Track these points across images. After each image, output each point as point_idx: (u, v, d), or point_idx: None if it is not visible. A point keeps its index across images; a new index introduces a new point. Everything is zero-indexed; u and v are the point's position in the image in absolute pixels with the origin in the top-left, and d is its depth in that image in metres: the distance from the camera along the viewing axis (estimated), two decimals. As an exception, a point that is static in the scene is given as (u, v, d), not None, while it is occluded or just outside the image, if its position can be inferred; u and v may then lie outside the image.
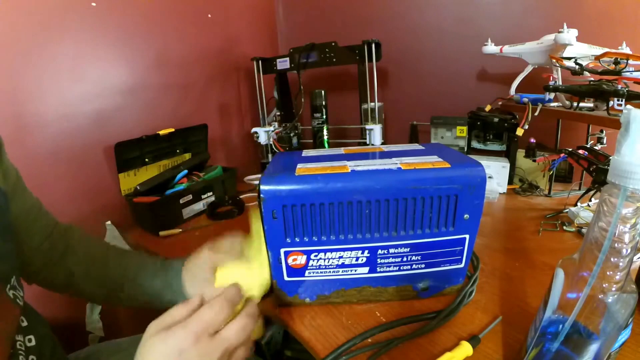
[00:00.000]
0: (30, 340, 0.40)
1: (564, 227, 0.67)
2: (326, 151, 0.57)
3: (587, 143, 0.80)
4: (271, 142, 1.08)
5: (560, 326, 0.28)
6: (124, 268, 0.51)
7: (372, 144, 0.97)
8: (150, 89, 0.93)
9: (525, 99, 0.83)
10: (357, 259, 0.45)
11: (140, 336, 0.32)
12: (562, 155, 0.73)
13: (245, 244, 0.47)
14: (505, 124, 0.87)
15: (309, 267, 0.45)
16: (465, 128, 0.96)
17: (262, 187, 0.40)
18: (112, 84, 0.84)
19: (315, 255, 0.45)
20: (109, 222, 0.83)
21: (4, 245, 0.38)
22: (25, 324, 0.41)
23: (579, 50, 0.75)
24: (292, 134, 1.08)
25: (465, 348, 0.39)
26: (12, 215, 0.41)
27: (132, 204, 0.82)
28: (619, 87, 0.63)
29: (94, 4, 0.78)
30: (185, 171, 0.90)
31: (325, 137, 1.01)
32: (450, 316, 0.45)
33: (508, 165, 0.86)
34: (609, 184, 0.26)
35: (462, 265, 0.47)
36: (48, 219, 0.51)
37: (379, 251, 0.45)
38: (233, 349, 0.34)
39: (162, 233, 0.78)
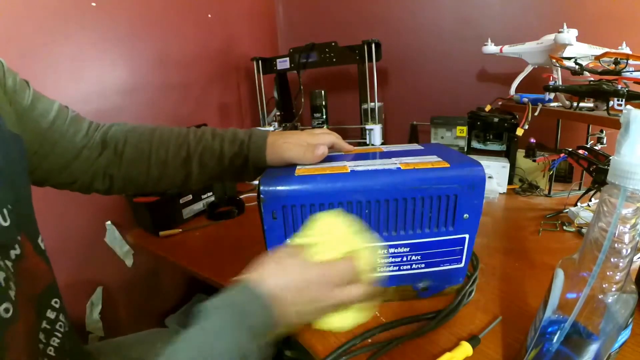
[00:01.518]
0: (64, 326, 0.41)
1: (564, 227, 0.67)
2: (326, 151, 0.57)
3: (587, 143, 0.80)
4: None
5: (560, 326, 0.28)
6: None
7: (372, 144, 0.97)
8: (150, 89, 0.93)
9: (525, 99, 0.83)
10: (357, 259, 0.45)
11: (140, 334, 0.32)
12: (562, 155, 0.73)
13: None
14: (505, 124, 0.87)
15: (308, 267, 0.45)
16: (465, 128, 0.96)
17: (262, 188, 0.40)
18: (112, 84, 0.84)
19: (315, 256, 0.44)
20: (109, 222, 0.83)
21: (28, 198, 0.37)
22: (58, 305, 0.41)
23: (579, 50, 0.75)
24: (292, 134, 1.08)
25: (465, 348, 0.39)
26: (29, 144, 0.39)
27: (132, 204, 0.82)
28: (619, 87, 0.63)
29: (94, 4, 0.78)
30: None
31: (325, 137, 1.01)
32: (450, 316, 0.45)
33: (508, 165, 0.86)
34: (609, 184, 0.26)
35: (462, 265, 0.47)
36: (80, 124, 0.46)
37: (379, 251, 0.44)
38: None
39: (162, 233, 0.78)
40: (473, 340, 0.40)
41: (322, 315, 0.35)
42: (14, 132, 0.37)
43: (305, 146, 0.45)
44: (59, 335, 0.39)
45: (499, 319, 0.44)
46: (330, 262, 0.34)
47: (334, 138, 0.49)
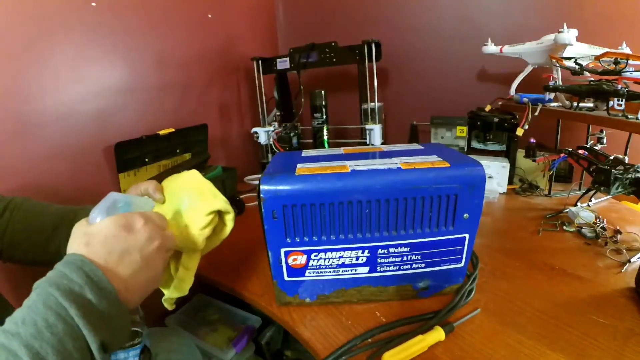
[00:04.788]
0: None
1: (564, 227, 0.67)
2: (326, 151, 0.57)
3: (587, 143, 0.80)
4: (271, 142, 1.08)
5: None
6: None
7: (372, 144, 0.97)
8: (150, 89, 0.93)
9: (525, 99, 0.83)
10: (357, 258, 0.45)
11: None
12: (562, 155, 0.73)
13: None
14: (505, 124, 0.87)
15: (309, 267, 0.45)
16: (465, 128, 0.96)
17: (262, 187, 0.40)
18: (112, 84, 0.84)
19: (316, 255, 0.45)
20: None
21: None
22: None
23: (579, 50, 0.75)
24: (292, 134, 1.09)
25: (438, 333, 0.41)
26: None
27: (132, 204, 0.82)
28: (619, 87, 0.63)
29: (94, 4, 0.78)
30: (186, 171, 0.90)
31: (325, 137, 1.01)
32: (450, 314, 0.45)
33: (508, 165, 0.86)
34: None
35: (462, 264, 0.47)
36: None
37: (379, 251, 0.45)
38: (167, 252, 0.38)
39: (162, 233, 0.77)
40: (447, 326, 0.42)
41: (157, 269, 0.36)
42: None
43: None
44: None
45: (477, 310, 0.45)
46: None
47: None
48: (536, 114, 0.78)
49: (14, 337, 0.25)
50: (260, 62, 1.10)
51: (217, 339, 0.79)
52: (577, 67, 0.69)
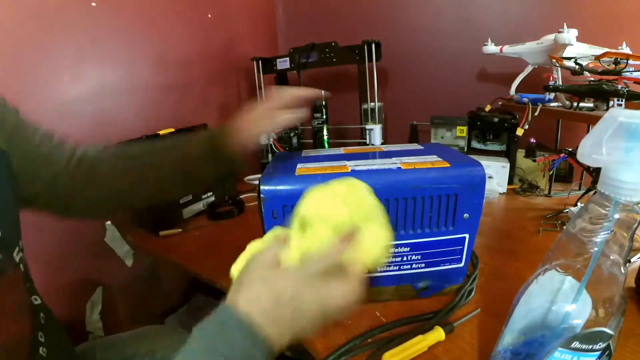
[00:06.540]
0: (42, 319, 0.42)
1: (564, 227, 0.67)
2: (326, 151, 0.57)
3: (587, 143, 0.80)
4: (271, 142, 1.08)
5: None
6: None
7: (372, 144, 0.97)
8: (151, 89, 0.93)
9: (525, 99, 0.83)
10: (357, 258, 0.45)
11: (136, 332, 0.33)
12: (562, 155, 0.73)
13: None
14: (505, 124, 0.87)
15: (309, 267, 0.45)
16: (465, 128, 0.96)
17: (262, 187, 0.40)
18: (112, 84, 0.84)
19: (315, 255, 0.44)
20: (109, 222, 0.83)
21: (10, 210, 0.38)
22: (38, 302, 0.42)
23: (579, 50, 0.75)
24: (292, 134, 1.08)
25: (439, 333, 0.41)
26: (16, 163, 0.40)
27: (132, 204, 0.82)
28: (619, 87, 0.63)
29: (94, 4, 0.78)
30: (185, 171, 0.90)
31: (325, 137, 1.01)
32: (450, 314, 0.45)
33: (508, 165, 0.86)
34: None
35: (462, 264, 0.47)
36: (63, 147, 0.47)
37: (379, 251, 0.44)
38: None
39: (162, 233, 0.77)
40: (447, 326, 0.42)
41: (320, 323, 0.30)
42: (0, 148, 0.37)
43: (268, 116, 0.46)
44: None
45: (477, 310, 0.45)
46: (306, 262, 0.30)
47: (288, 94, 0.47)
48: (536, 114, 0.78)
49: None
50: (260, 62, 1.10)
51: (217, 339, 0.79)
52: (577, 67, 0.69)
